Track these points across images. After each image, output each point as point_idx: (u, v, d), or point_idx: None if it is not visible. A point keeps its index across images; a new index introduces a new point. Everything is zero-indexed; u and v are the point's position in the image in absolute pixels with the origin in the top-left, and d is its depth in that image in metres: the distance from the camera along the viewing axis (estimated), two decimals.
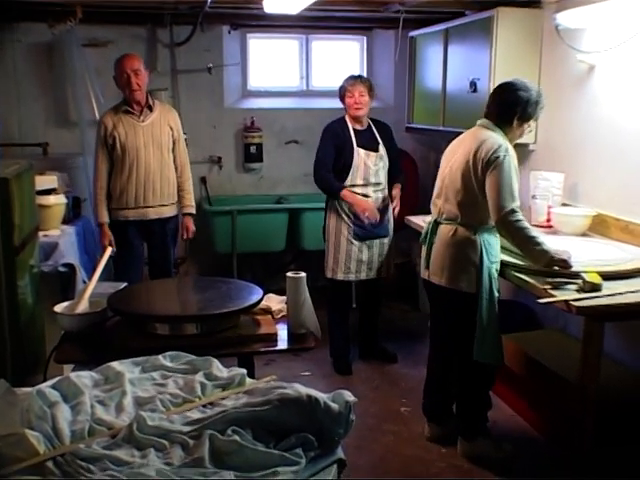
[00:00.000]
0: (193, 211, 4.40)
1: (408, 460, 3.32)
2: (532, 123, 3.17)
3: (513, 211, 2.93)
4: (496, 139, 3.04)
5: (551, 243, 3.00)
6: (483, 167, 2.99)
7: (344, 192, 4.15)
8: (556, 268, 2.88)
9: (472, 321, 3.07)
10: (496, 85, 3.25)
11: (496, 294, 3.08)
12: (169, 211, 4.30)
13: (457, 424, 3.37)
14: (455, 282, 3.13)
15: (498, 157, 2.96)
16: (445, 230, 3.18)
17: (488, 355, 3.10)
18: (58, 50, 5.20)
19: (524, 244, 2.96)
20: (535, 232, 2.98)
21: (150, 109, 4.18)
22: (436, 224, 3.25)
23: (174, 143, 4.25)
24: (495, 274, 3.09)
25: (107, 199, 4.17)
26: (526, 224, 2.95)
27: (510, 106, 3.09)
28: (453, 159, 3.18)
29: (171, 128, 4.22)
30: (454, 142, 3.28)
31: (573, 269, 2.85)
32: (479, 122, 3.18)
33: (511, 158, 2.99)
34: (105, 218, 4.17)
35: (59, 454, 1.62)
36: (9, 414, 1.63)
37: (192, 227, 4.41)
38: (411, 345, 4.74)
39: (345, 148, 4.18)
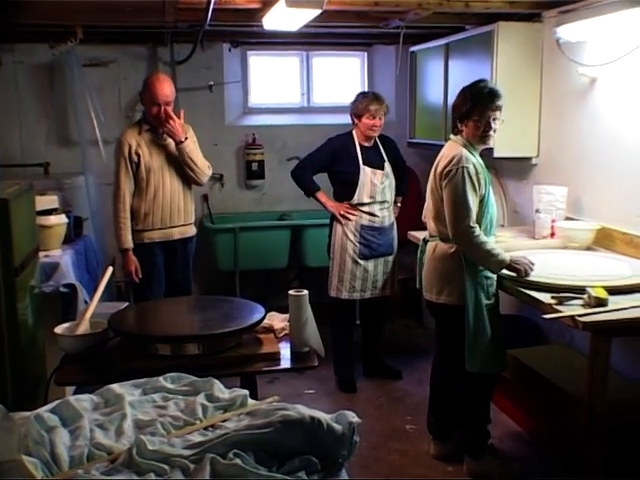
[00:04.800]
0: None
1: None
2: (492, 114, 3.03)
3: (469, 227, 2.95)
4: (452, 150, 3.06)
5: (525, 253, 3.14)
6: (440, 181, 3.05)
7: (319, 193, 4.23)
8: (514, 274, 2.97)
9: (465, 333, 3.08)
10: None
11: (484, 302, 3.06)
12: (191, 230, 4.19)
13: (461, 441, 3.33)
14: (443, 296, 3.15)
15: (450, 171, 2.98)
16: (429, 247, 3.23)
17: (479, 365, 3.09)
18: (59, 70, 5.20)
19: (482, 258, 2.99)
20: (491, 244, 3.01)
21: None
22: (425, 243, 3.29)
23: None
24: (484, 282, 3.07)
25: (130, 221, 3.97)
26: (483, 238, 2.97)
27: (453, 112, 3.17)
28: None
29: None
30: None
31: (576, 283, 2.84)
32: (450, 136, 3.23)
33: (466, 169, 2.96)
34: (130, 244, 3.96)
35: None
36: (6, 440, 1.59)
37: None
38: (415, 361, 4.69)
39: (350, 164, 4.17)
